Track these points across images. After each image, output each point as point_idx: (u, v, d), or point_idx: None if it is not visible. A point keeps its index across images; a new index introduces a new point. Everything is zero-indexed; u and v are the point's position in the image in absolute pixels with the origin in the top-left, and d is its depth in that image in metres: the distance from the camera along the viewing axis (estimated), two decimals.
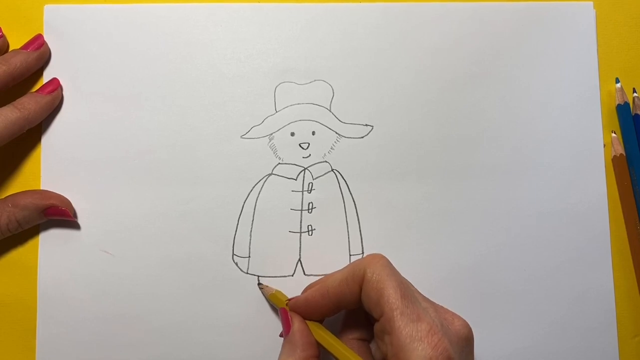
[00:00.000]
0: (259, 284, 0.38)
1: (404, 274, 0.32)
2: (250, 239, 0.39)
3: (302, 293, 0.35)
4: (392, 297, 0.29)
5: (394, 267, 0.32)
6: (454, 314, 0.31)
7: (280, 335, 0.34)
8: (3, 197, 0.38)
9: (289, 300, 0.35)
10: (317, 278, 0.38)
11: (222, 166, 0.39)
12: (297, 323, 0.33)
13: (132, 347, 0.38)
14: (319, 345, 0.33)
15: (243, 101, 0.40)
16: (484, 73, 0.41)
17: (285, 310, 0.34)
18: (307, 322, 0.34)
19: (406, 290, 0.30)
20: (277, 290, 0.37)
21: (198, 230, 0.39)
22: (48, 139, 0.39)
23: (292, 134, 0.40)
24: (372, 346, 0.34)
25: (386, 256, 0.32)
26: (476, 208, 0.39)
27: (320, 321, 0.34)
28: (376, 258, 0.32)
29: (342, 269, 0.33)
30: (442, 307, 0.32)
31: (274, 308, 0.38)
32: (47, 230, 0.38)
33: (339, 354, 0.31)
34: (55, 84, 0.39)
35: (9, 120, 0.36)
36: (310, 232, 0.39)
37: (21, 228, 0.37)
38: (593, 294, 0.39)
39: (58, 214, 0.37)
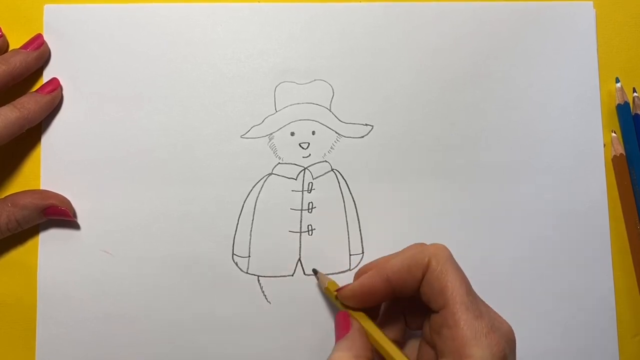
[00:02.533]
0: (314, 270, 0.37)
1: None
2: (250, 239, 0.39)
3: (355, 280, 0.34)
4: (458, 290, 0.29)
5: (456, 262, 0.31)
6: (500, 317, 0.31)
7: None
8: (3, 196, 0.38)
9: (340, 288, 0.33)
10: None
11: (222, 166, 0.39)
12: (357, 324, 0.32)
13: (132, 347, 0.38)
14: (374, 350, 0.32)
15: (243, 101, 0.40)
16: (484, 73, 0.40)
17: (347, 314, 0.33)
18: (360, 320, 0.33)
19: (469, 286, 0.30)
20: (330, 282, 0.36)
21: (198, 230, 0.39)
22: (48, 139, 0.39)
23: (292, 134, 0.40)
24: (409, 347, 0.34)
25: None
26: (476, 208, 0.39)
27: (370, 311, 0.33)
28: (440, 248, 0.31)
29: (397, 255, 0.32)
30: (491, 308, 0.31)
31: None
32: (47, 230, 0.38)
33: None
34: (55, 84, 0.39)
35: (8, 120, 0.36)
36: (310, 232, 0.39)
37: (21, 228, 0.37)
38: (593, 293, 0.39)
39: (58, 214, 0.37)
